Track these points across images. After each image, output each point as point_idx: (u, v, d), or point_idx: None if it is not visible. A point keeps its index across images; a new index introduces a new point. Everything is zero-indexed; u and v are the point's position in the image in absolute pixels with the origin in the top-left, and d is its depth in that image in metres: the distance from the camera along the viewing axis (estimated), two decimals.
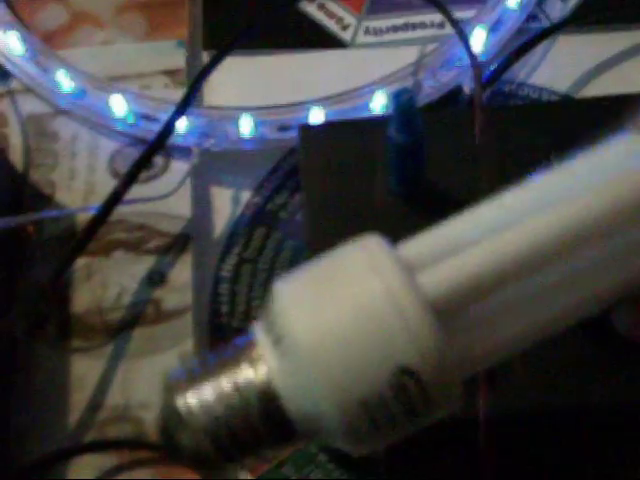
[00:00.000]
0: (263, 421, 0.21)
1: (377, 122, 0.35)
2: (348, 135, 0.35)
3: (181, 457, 0.21)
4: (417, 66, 0.40)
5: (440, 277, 0.21)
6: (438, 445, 0.31)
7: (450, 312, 0.21)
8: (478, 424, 0.29)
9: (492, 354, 0.22)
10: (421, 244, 0.22)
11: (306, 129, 0.35)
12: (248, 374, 0.21)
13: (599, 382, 0.30)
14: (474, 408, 0.29)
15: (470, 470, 0.31)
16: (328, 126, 0.37)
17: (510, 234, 0.21)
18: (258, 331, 0.21)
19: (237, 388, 0.21)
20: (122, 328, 0.36)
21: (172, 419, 0.21)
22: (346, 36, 0.43)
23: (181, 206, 0.39)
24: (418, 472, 0.33)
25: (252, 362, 0.21)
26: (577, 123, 0.35)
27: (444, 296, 0.21)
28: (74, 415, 0.35)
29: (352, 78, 0.41)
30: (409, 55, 0.41)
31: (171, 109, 0.38)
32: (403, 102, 0.29)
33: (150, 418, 0.34)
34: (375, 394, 0.20)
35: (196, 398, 0.21)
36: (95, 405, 0.35)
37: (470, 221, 0.22)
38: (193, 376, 0.21)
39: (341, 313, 0.20)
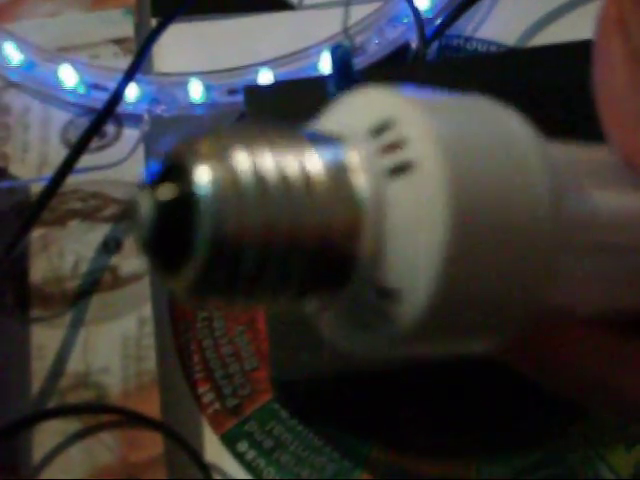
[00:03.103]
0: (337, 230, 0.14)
1: (320, 80, 0.35)
2: (293, 94, 0.35)
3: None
4: (363, 24, 0.40)
5: None
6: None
7: None
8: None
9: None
10: None
11: (251, 90, 0.36)
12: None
13: None
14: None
15: None
16: (272, 87, 0.37)
17: None
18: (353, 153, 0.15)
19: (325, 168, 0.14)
20: (80, 296, 0.36)
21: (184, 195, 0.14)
22: None
23: (134, 173, 0.39)
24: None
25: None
26: (521, 72, 0.36)
27: None
28: (36, 383, 0.35)
29: (301, 40, 0.41)
30: (356, 14, 0.42)
31: (121, 77, 0.38)
32: (339, 57, 0.30)
33: (111, 383, 0.35)
34: None
35: (247, 162, 0.14)
36: (56, 373, 0.35)
37: None
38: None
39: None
